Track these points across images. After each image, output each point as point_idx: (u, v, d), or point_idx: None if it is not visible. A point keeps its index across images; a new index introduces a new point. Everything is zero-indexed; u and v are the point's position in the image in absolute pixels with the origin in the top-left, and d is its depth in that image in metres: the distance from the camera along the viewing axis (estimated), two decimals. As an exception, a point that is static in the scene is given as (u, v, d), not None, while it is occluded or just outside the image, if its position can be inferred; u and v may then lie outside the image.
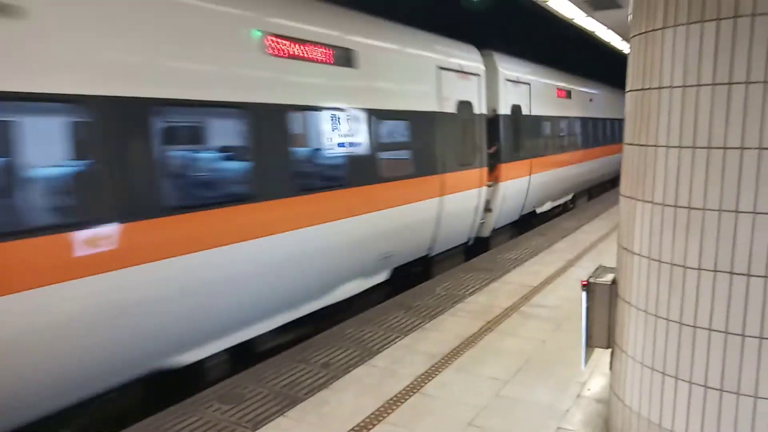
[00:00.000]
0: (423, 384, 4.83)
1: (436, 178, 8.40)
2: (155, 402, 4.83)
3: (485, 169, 10.05)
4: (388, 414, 4.34)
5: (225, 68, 5.16)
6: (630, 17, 3.69)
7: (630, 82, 3.65)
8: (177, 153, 5.15)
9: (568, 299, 7.04)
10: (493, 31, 16.04)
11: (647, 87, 3.39)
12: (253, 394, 4.76)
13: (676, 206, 3.25)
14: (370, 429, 4.15)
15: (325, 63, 6.32)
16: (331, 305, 6.69)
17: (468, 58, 9.64)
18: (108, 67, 4.25)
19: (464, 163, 9.30)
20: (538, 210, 13.51)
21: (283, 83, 5.78)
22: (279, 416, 4.36)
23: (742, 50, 2.93)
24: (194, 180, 5.38)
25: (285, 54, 5.77)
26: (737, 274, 3.07)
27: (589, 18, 9.52)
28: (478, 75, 9.90)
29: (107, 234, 4.17)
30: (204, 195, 5.18)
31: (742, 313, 3.08)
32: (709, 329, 3.18)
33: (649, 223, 3.41)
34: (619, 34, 11.78)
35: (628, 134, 3.68)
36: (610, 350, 4.04)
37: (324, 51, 6.28)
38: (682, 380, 3.32)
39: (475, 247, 10.30)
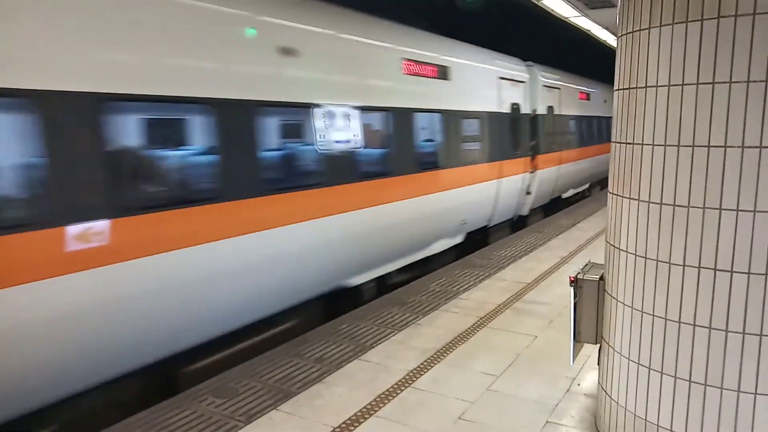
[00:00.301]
0: (415, 378, 4.88)
1: (496, 164, 10.64)
2: (152, 397, 4.89)
3: (528, 159, 12.24)
4: (380, 408, 4.40)
5: (385, 84, 7.56)
6: (617, 17, 3.74)
7: (617, 82, 3.69)
8: (365, 141, 7.15)
9: (561, 296, 7.10)
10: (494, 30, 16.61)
11: (633, 86, 3.44)
12: (247, 388, 4.82)
13: (661, 204, 3.30)
14: (362, 422, 4.20)
15: (433, 77, 8.61)
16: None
17: (517, 69, 12.00)
18: (330, 92, 6.53)
19: (514, 153, 11.52)
20: (563, 195, 15.64)
21: (410, 93, 8.02)
22: (272, 410, 4.42)
23: (726, 50, 2.98)
24: (370, 157, 7.36)
25: (411, 72, 8.06)
26: (721, 270, 3.13)
27: (583, 17, 9.55)
28: (524, 82, 12.21)
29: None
30: (374, 171, 7.36)
31: (726, 309, 3.13)
32: (694, 325, 3.24)
33: (635, 220, 3.47)
34: (613, 34, 11.83)
35: (615, 133, 3.73)
36: (598, 346, 4.10)
37: (432, 69, 8.60)
38: (667, 375, 3.37)
39: (470, 244, 10.36)
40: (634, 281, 3.50)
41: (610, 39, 11.84)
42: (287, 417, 4.31)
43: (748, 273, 3.06)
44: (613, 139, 3.79)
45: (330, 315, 6.82)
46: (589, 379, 4.79)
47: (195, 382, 5.00)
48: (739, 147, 3.00)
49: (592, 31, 11.49)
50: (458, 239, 9.84)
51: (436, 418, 4.24)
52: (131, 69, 4.45)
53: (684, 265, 3.24)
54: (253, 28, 5.46)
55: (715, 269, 3.14)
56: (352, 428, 4.13)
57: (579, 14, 9.29)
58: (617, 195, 3.67)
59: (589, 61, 19.72)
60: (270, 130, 5.84)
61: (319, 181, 6.28)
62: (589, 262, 4.36)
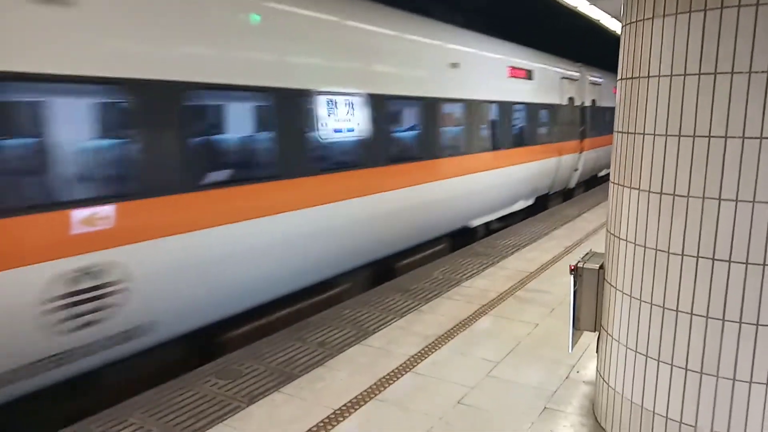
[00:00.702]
0: (416, 363, 4.94)
1: (557, 145, 13.60)
2: (156, 378, 4.98)
3: (578, 142, 15.18)
4: (381, 391, 4.46)
5: (499, 84, 10.78)
6: (622, 7, 3.75)
7: (621, 71, 3.70)
8: (478, 126, 10.18)
9: (564, 285, 7.12)
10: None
11: (636, 76, 3.45)
12: (250, 370, 4.89)
13: (661, 193, 3.32)
14: (362, 405, 4.27)
15: (523, 78, 11.66)
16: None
17: (572, 69, 14.86)
18: (475, 91, 9.87)
19: (569, 137, 14.43)
20: (599, 174, 18.77)
21: (511, 89, 11.14)
22: (274, 391, 4.49)
23: (728, 41, 2.99)
24: (497, 134, 10.71)
25: (512, 75, 11.17)
26: (719, 260, 3.15)
27: (593, 6, 9.50)
28: (577, 80, 15.13)
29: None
30: (499, 143, 10.76)
31: (723, 298, 3.17)
32: (691, 314, 3.27)
33: (635, 209, 3.49)
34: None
35: (618, 122, 3.74)
36: (597, 334, 4.14)
37: (523, 72, 11.65)
38: (664, 363, 3.41)
39: (473, 233, 10.40)
40: (633, 270, 3.53)
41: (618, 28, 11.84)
42: (288, 399, 4.39)
43: (746, 263, 3.08)
44: (615, 128, 3.80)
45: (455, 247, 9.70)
46: (589, 367, 4.84)
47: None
48: (739, 137, 3.02)
49: (601, 21, 11.46)
50: (530, 201, 12.74)
51: (435, 402, 4.30)
52: (386, 78, 7.65)
53: (683, 255, 3.26)
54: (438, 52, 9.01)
55: (713, 259, 3.16)
56: (353, 411, 4.19)
57: (589, 3, 9.25)
58: (618, 184, 3.70)
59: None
60: (446, 116, 9.10)
61: (486, 147, 10.34)
62: (591, 251, 4.39)
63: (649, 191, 3.39)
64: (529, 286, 7.14)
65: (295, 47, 5.94)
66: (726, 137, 3.05)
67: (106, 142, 4.52)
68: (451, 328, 5.75)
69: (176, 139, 4.73)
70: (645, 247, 3.44)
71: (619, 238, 3.67)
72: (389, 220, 7.68)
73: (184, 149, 4.79)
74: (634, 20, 3.44)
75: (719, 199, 3.11)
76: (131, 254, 4.37)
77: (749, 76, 2.96)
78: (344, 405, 4.27)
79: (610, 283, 3.81)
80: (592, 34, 16.03)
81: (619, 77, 3.75)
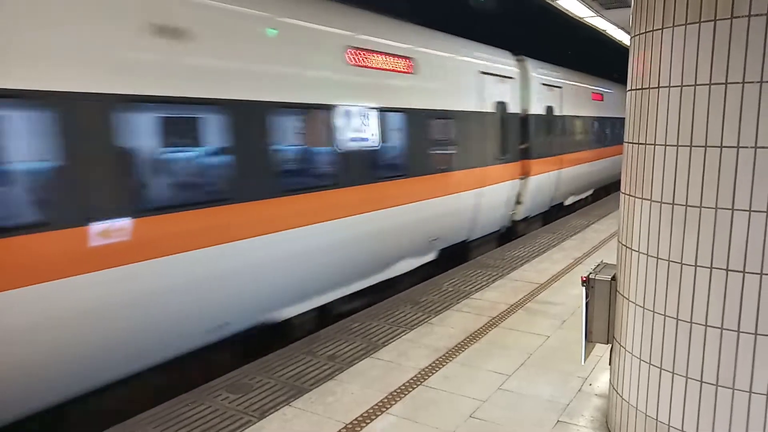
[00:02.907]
0: (427, 377, 4.91)
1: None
2: (167, 391, 4.97)
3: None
4: (392, 405, 4.44)
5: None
6: (630, 18, 3.75)
7: (630, 82, 3.70)
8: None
9: (574, 296, 7.09)
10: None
11: (646, 86, 3.44)
12: (260, 384, 4.87)
13: (673, 204, 3.30)
14: (374, 419, 4.24)
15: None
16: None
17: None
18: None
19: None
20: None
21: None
22: (285, 406, 4.47)
23: (739, 51, 2.98)
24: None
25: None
26: (733, 270, 3.12)
27: (599, 17, 9.53)
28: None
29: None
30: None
31: (738, 310, 3.13)
32: (705, 325, 3.24)
33: (648, 220, 3.47)
34: (629, 33, 11.80)
35: (628, 133, 3.73)
36: (609, 346, 4.11)
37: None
38: (679, 375, 3.38)
39: (477, 247, 10.36)
40: (646, 281, 3.51)
41: (625, 38, 11.81)
42: (300, 413, 4.36)
43: (761, 273, 3.05)
44: (625, 139, 3.79)
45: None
46: (601, 380, 4.79)
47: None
48: (752, 147, 3.00)
49: (607, 31, 11.51)
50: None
51: (447, 416, 4.27)
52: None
53: (696, 266, 3.24)
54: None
55: (727, 269, 3.13)
56: (364, 425, 4.17)
57: (594, 14, 9.28)
58: (629, 195, 3.68)
59: (611, 62, 19.91)
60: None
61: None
62: (602, 262, 4.36)
63: (662, 202, 3.37)
64: (539, 298, 7.10)
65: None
66: (738, 147, 3.04)
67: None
68: (462, 341, 5.72)
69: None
70: (658, 258, 3.42)
71: (631, 249, 3.65)
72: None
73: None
74: (644, 31, 3.44)
75: (732, 209, 3.09)
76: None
77: (760, 85, 2.95)
78: (355, 419, 4.24)
79: (622, 295, 3.78)
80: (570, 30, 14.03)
81: (628, 88, 3.74)
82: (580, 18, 9.89)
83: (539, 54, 12.98)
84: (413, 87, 7.87)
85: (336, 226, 6.46)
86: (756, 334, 3.11)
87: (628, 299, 3.70)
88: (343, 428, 4.12)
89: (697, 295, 3.25)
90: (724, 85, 3.04)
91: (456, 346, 5.60)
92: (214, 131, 5.19)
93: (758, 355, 3.12)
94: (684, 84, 3.19)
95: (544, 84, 12.48)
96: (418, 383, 4.80)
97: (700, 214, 3.19)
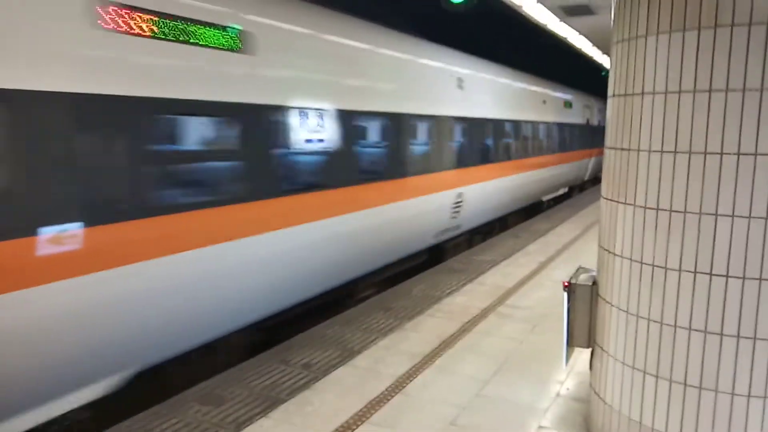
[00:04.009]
0: (405, 384, 4.85)
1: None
2: (132, 403, 4.76)
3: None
4: (372, 414, 4.36)
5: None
6: (612, 24, 3.79)
7: (612, 88, 3.73)
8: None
9: (542, 300, 7.16)
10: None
11: (630, 93, 3.48)
12: (234, 395, 4.73)
13: (657, 209, 3.34)
14: (354, 429, 4.15)
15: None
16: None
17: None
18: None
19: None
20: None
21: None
22: (261, 417, 4.34)
23: (722, 59, 3.03)
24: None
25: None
26: (716, 275, 3.17)
27: (563, 23, 9.69)
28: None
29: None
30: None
31: (721, 313, 3.19)
32: (689, 329, 3.28)
33: (631, 225, 3.50)
34: (591, 41, 12.05)
35: (609, 138, 3.76)
36: (589, 350, 4.13)
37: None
38: (663, 378, 3.41)
39: (444, 251, 10.38)
40: (630, 286, 3.54)
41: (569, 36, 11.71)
42: (277, 424, 4.24)
43: (743, 278, 3.11)
44: (607, 144, 3.83)
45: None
46: (578, 383, 4.82)
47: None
48: (735, 154, 3.06)
49: (568, 39, 11.71)
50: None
51: (428, 424, 4.22)
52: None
53: (680, 270, 3.28)
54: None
55: (710, 274, 3.18)
56: (345, 435, 4.08)
57: (559, 20, 9.43)
58: (611, 200, 3.71)
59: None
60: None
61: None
62: (579, 267, 4.39)
63: (645, 207, 3.40)
64: (508, 302, 7.14)
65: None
66: (722, 153, 3.09)
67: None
68: (437, 347, 5.68)
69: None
70: (641, 263, 3.45)
71: (613, 254, 3.67)
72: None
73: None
74: (627, 37, 3.48)
75: (716, 214, 3.14)
76: None
77: (743, 93, 3.01)
78: (336, 429, 4.15)
79: (604, 299, 3.81)
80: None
81: (610, 94, 3.78)
82: (544, 25, 10.05)
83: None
84: None
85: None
86: (739, 336, 3.17)
87: (610, 303, 3.72)
88: (324, 439, 4.03)
89: (681, 299, 3.29)
90: (708, 93, 3.09)
91: (432, 351, 5.56)
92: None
93: (741, 358, 3.18)
94: (668, 91, 3.23)
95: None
96: (397, 391, 4.73)
97: (684, 219, 3.23)
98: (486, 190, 10.98)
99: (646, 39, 3.32)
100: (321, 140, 6.30)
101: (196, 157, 5.12)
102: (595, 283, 4.01)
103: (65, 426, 4.41)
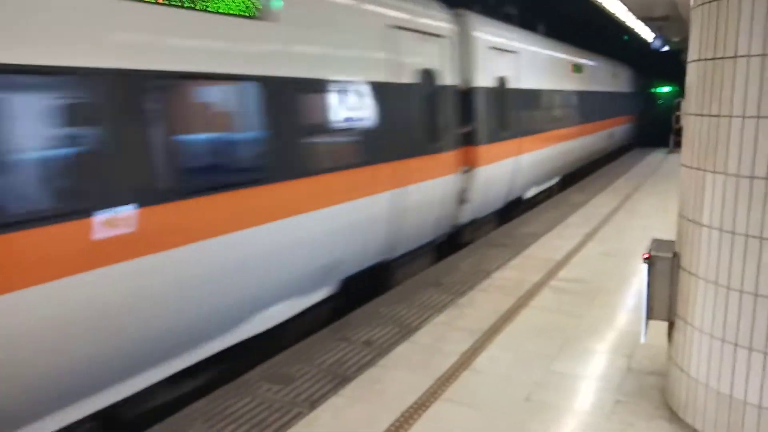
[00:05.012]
0: (471, 361, 4.82)
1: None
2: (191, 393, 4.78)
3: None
4: (444, 391, 4.33)
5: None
6: (695, -15, 3.63)
7: (696, 52, 3.59)
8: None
9: (596, 273, 7.06)
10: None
11: (719, 56, 3.33)
12: (301, 373, 4.73)
13: (752, 177, 3.22)
14: (429, 406, 4.13)
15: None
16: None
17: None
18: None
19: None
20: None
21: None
22: (333, 395, 4.33)
23: (830, 17, 2.88)
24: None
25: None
26: (817, 244, 3.06)
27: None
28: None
29: None
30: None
31: (822, 283, 3.08)
32: (786, 300, 3.18)
33: (721, 194, 3.38)
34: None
35: (693, 105, 3.63)
36: (666, 323, 4.05)
37: None
38: (757, 351, 3.32)
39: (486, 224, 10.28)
40: (720, 257, 3.43)
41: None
42: (350, 402, 4.23)
43: None
44: (689, 111, 3.69)
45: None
46: (644, 356, 4.75)
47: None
48: (841, 117, 2.92)
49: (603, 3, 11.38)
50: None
51: (503, 400, 4.18)
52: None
53: (777, 240, 3.17)
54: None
55: (812, 243, 3.07)
56: (422, 411, 4.06)
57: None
58: (696, 168, 3.59)
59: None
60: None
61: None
62: (654, 239, 4.27)
63: (738, 175, 3.28)
64: (560, 275, 7.05)
65: None
66: (826, 117, 2.95)
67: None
68: (495, 322, 5.63)
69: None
70: (734, 233, 3.34)
71: (699, 224, 3.56)
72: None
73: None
74: (716, -1, 3.32)
75: (819, 181, 3.02)
76: None
77: None
78: (411, 407, 4.13)
79: (688, 271, 3.71)
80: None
81: (692, 58, 3.64)
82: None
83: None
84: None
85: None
86: (841, 307, 3.06)
87: (696, 276, 3.62)
88: (400, 416, 4.01)
89: (778, 270, 3.19)
90: (812, 53, 2.94)
91: (491, 327, 5.51)
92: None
93: (843, 329, 3.08)
94: (766, 53, 3.09)
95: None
96: (465, 367, 4.70)
97: (783, 186, 3.11)
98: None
99: (740, 0, 3.17)
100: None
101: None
102: (675, 255, 3.90)
103: (142, 408, 4.44)
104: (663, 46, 20.18)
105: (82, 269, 3.52)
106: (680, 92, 27.98)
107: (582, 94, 15.89)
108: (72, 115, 3.57)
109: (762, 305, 3.26)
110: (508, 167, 10.32)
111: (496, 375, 4.57)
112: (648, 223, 9.75)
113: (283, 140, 5.06)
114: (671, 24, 14.34)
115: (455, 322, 5.68)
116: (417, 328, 5.55)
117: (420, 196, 7.27)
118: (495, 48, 9.70)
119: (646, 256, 3.93)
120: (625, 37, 23.33)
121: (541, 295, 6.36)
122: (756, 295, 3.28)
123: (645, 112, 27.00)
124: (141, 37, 3.91)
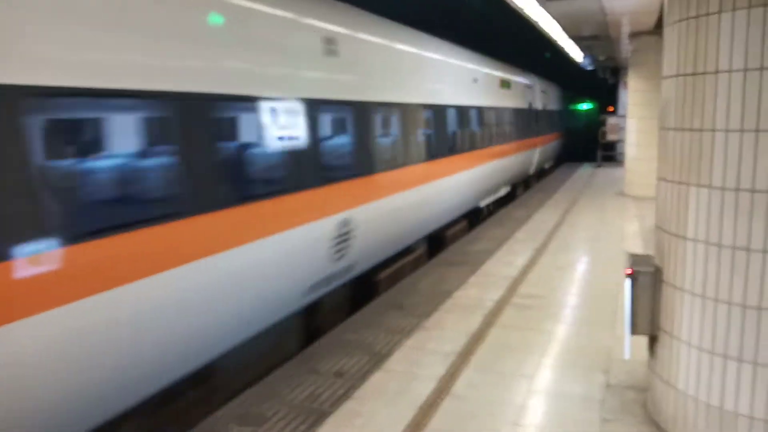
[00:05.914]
0: (450, 386, 4.67)
1: None
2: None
3: None
4: (429, 421, 4.16)
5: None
6: (666, 3, 3.69)
7: (671, 68, 3.63)
8: None
9: (553, 288, 7.11)
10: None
11: (700, 72, 3.37)
12: (273, 412, 4.45)
13: (738, 189, 3.25)
14: (416, 438, 3.95)
15: None
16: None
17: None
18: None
19: None
20: None
21: None
22: (312, 434, 4.08)
23: (809, 32, 2.96)
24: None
25: None
26: (804, 253, 3.11)
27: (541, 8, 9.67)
28: None
29: None
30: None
31: (809, 292, 3.13)
32: (776, 310, 3.22)
33: (706, 207, 3.41)
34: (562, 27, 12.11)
35: (671, 119, 3.66)
36: (644, 337, 4.05)
37: None
38: (746, 362, 3.34)
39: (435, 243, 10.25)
40: (706, 269, 3.45)
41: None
42: (332, 440, 3.99)
43: (833, 255, 3.06)
44: (666, 125, 3.73)
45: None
46: (621, 371, 4.75)
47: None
48: (823, 129, 2.99)
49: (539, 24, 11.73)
50: None
51: (492, 427, 4.05)
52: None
53: (765, 251, 3.20)
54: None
55: (799, 253, 3.12)
56: (410, 445, 3.87)
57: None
58: (678, 182, 3.61)
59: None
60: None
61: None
62: (630, 253, 4.29)
63: (723, 188, 3.31)
64: (521, 291, 7.05)
65: None
66: (808, 129, 3.02)
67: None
68: (467, 343, 5.52)
69: None
70: (720, 245, 3.36)
71: (683, 237, 3.58)
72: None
73: None
74: (694, 15, 3.37)
75: (803, 192, 3.07)
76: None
77: (830, 67, 2.94)
78: (398, 440, 3.93)
79: (672, 285, 3.72)
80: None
81: (668, 74, 3.68)
82: (520, 9, 10.00)
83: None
84: None
85: None
86: (829, 315, 3.12)
87: (681, 289, 3.63)
88: (389, 452, 3.80)
89: (767, 280, 3.22)
90: (793, 68, 3.01)
91: (463, 349, 5.39)
92: None
93: (831, 336, 3.13)
94: (748, 68, 3.14)
95: None
96: (445, 394, 4.55)
97: (769, 198, 3.16)
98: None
99: (719, 16, 3.22)
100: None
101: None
102: (657, 269, 3.91)
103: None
104: (591, 65, 21.03)
105: None
106: (600, 109, 29.33)
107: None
108: None
109: (751, 316, 3.29)
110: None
111: (479, 400, 4.43)
112: (591, 234, 9.98)
113: None
114: (599, 43, 14.95)
115: (426, 345, 5.53)
116: (388, 355, 5.35)
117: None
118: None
119: (630, 272, 3.92)
120: (547, 55, 24.21)
121: (506, 313, 6.32)
122: (744, 306, 3.30)
123: (570, 128, 28.03)
124: None
